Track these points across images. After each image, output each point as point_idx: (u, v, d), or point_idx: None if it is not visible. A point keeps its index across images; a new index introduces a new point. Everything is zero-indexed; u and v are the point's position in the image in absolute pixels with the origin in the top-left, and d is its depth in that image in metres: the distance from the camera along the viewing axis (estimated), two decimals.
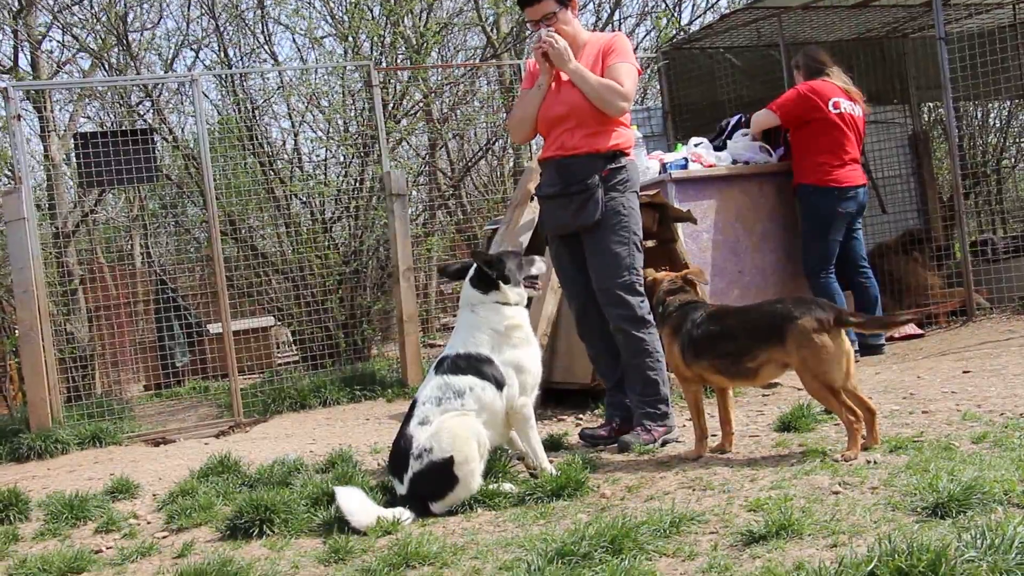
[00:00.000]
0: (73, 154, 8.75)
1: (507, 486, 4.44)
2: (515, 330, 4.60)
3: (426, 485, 4.28)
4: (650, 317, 5.13)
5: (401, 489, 4.36)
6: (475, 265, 4.72)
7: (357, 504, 4.21)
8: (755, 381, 4.67)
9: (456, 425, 4.33)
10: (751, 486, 3.98)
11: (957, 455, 3.98)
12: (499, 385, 4.50)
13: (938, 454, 4.03)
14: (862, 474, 3.89)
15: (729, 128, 8.05)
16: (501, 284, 4.62)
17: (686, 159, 7.42)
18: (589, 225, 5.14)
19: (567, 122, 5.21)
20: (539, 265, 4.79)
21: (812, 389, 4.40)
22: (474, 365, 4.50)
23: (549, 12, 5.19)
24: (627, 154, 5.27)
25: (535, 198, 5.68)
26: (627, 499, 4.10)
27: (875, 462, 4.07)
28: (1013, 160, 12.67)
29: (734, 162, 7.62)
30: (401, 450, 4.39)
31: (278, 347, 12.31)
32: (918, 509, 3.34)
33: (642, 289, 5.17)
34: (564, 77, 5.24)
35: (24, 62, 12.15)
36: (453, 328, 4.83)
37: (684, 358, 4.69)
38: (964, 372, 6.04)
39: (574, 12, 5.31)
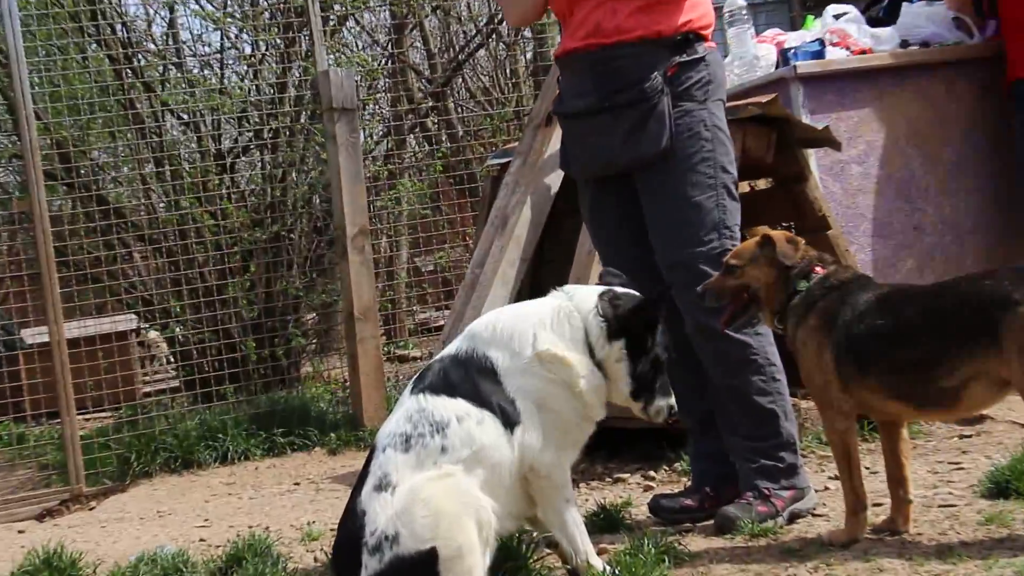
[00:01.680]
0: None
1: None
2: (558, 368, 4.51)
3: None
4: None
5: None
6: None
7: None
8: (954, 410, 4.68)
9: (439, 493, 4.22)
10: None
11: None
12: (507, 422, 4.45)
13: None
14: None
15: None
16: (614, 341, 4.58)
17: (821, 41, 7.50)
18: (649, 158, 5.19)
19: None
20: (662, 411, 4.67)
21: None
22: (474, 379, 4.46)
23: None
24: (706, 38, 5.30)
25: (553, 116, 5.84)
26: None
27: None
28: None
29: (904, 45, 7.66)
30: (350, 536, 4.27)
31: (145, 365, 12.29)
32: None
33: None
34: None
35: None
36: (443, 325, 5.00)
37: (840, 372, 4.64)
38: None
39: None
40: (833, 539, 4.65)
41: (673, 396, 4.60)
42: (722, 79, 5.35)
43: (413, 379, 4.62)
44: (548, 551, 4.72)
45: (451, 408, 4.37)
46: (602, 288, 4.66)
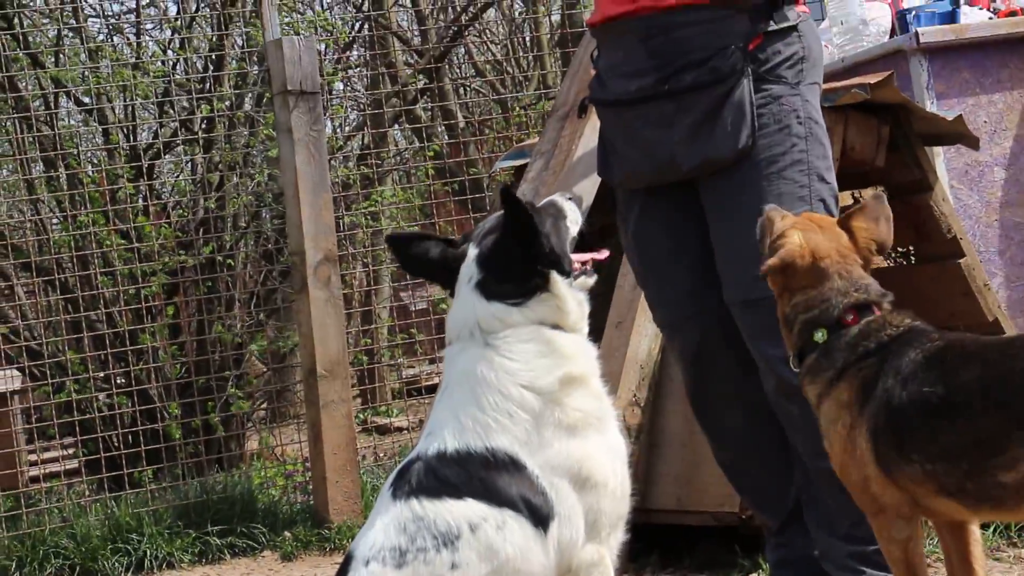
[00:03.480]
0: None
1: None
2: (576, 388, 4.64)
3: None
4: None
5: None
6: (487, 236, 4.74)
7: None
8: (1019, 510, 4.43)
9: None
10: None
11: None
12: (538, 519, 4.44)
13: None
14: None
15: None
16: (553, 275, 4.65)
17: (955, 1, 7.47)
18: (723, 161, 5.16)
19: None
20: (575, 213, 4.90)
21: None
22: (481, 475, 4.47)
23: None
24: (798, 0, 5.23)
25: (588, 105, 5.78)
26: None
27: None
28: None
29: None
30: None
31: (31, 441, 12.06)
32: None
33: None
34: None
35: None
36: (438, 391, 4.90)
37: (879, 459, 4.50)
38: None
39: None
40: None
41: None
42: (819, 55, 5.31)
43: (391, 481, 4.58)
44: None
45: (460, 512, 4.43)
46: (467, 274, 4.75)
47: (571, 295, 4.69)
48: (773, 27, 5.13)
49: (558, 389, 4.58)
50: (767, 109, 5.09)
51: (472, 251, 4.68)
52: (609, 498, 4.59)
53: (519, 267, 4.63)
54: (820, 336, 4.57)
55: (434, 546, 4.37)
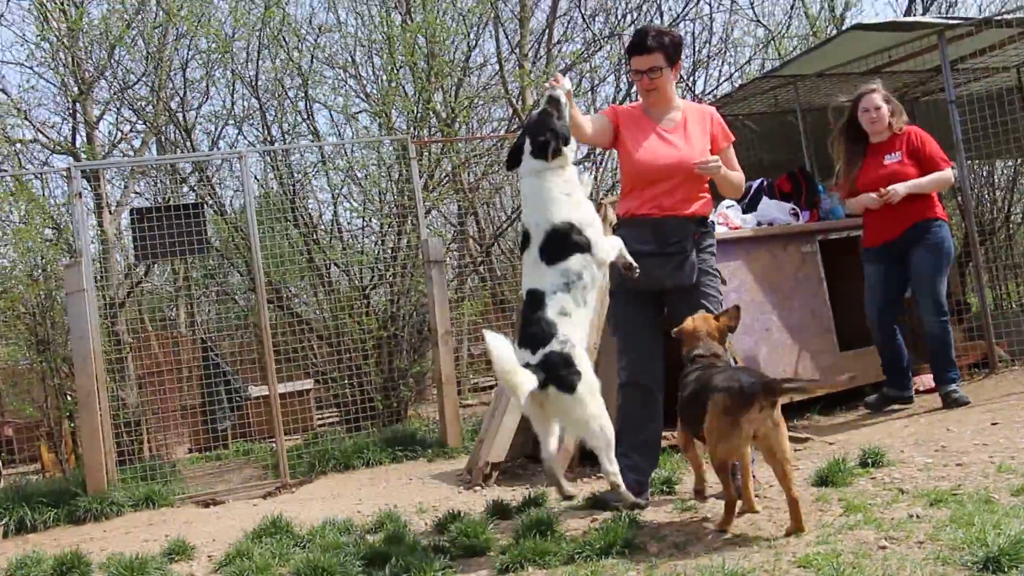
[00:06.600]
0: (128, 228, 8.72)
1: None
2: (576, 189, 4.68)
3: (556, 369, 4.34)
4: None
5: (532, 359, 4.39)
6: (530, 139, 4.67)
7: (508, 350, 4.18)
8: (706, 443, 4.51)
9: (580, 332, 4.46)
10: (797, 542, 3.90)
11: (999, 508, 3.93)
12: (590, 249, 4.60)
13: (980, 507, 3.97)
14: (907, 528, 3.84)
15: (752, 191, 8.00)
16: (563, 148, 4.65)
17: (713, 223, 7.21)
18: (683, 286, 5.11)
19: (671, 180, 5.15)
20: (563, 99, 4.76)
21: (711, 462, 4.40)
22: (570, 239, 4.55)
23: (656, 66, 5.14)
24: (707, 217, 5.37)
25: None
26: (675, 557, 4.02)
27: (917, 516, 4.00)
28: (1022, 216, 12.57)
29: (759, 224, 7.59)
30: (543, 334, 4.41)
31: (319, 408, 11.86)
32: (968, 563, 3.31)
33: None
34: (666, 134, 5.20)
35: (79, 141, 12.20)
36: (524, 199, 4.76)
37: (681, 420, 4.62)
38: (992, 424, 5.91)
39: (675, 74, 5.28)
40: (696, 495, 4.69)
41: None
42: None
43: (537, 249, 4.55)
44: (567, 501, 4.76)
45: (576, 263, 4.48)
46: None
47: (569, 151, 4.68)
48: (704, 230, 5.18)
49: (572, 191, 4.58)
50: (701, 266, 5.10)
51: (528, 145, 4.66)
52: (595, 228, 4.65)
53: (547, 150, 4.60)
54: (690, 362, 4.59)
55: (576, 277, 4.48)
